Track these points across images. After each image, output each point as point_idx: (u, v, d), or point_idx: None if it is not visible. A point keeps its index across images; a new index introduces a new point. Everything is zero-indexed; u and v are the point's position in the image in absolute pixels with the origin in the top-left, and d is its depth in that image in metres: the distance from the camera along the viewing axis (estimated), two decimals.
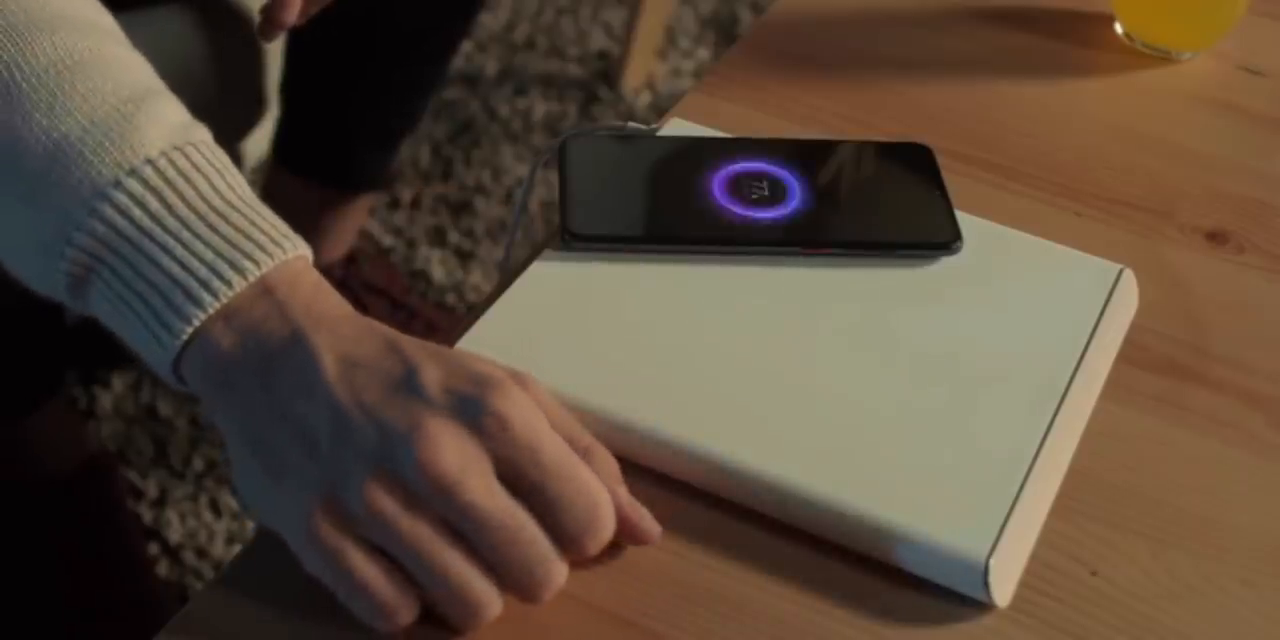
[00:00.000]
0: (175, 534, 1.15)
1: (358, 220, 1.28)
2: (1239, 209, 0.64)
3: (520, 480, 0.44)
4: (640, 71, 1.63)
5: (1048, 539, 0.49)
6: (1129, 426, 0.53)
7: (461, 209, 1.46)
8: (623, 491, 0.47)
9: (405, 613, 0.43)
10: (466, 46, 1.65)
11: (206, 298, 0.46)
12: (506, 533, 0.43)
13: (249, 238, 0.47)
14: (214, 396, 0.47)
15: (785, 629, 0.46)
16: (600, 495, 0.45)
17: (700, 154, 0.59)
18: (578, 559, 0.45)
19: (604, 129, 0.62)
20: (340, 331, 0.46)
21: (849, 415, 0.50)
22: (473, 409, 0.44)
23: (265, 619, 0.45)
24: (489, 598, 0.43)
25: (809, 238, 0.56)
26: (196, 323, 0.46)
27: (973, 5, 0.75)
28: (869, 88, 0.69)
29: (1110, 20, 0.74)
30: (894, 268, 0.56)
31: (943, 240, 0.57)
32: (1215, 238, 0.62)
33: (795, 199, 0.58)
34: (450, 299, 1.37)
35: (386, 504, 0.43)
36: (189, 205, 0.47)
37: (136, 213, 0.47)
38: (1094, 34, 0.74)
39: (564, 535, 0.44)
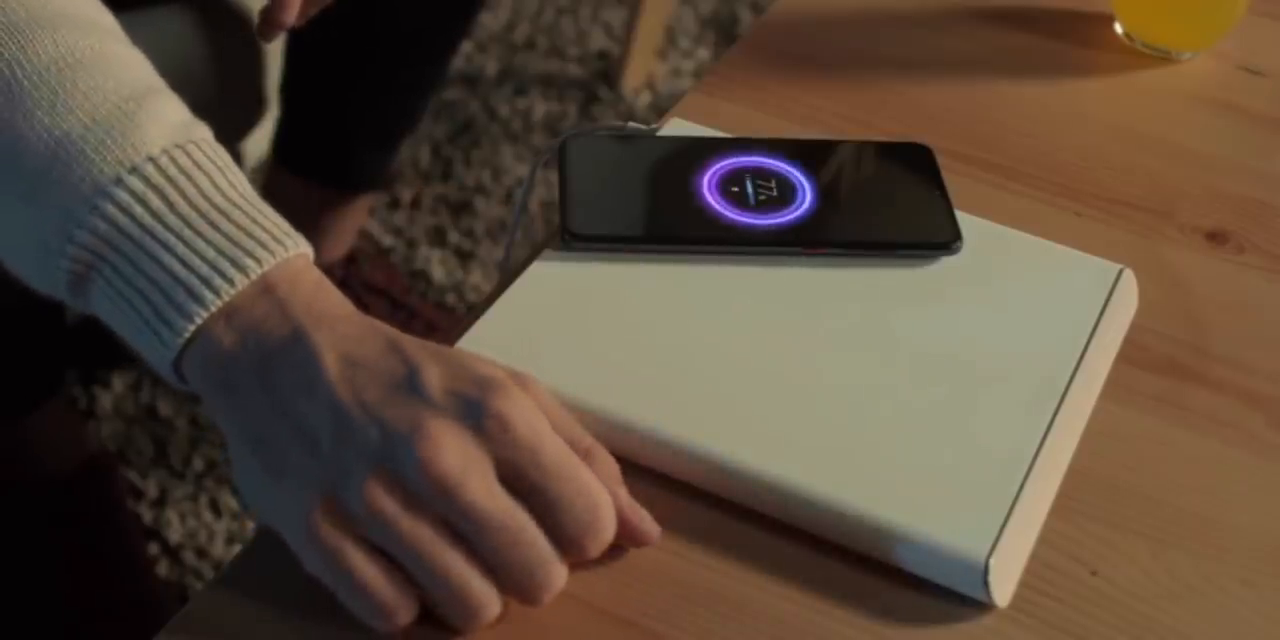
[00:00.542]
0: (175, 534, 1.15)
1: (358, 220, 1.28)
2: (1239, 209, 0.64)
3: (521, 481, 0.44)
4: (640, 71, 1.63)
5: (1048, 539, 0.49)
6: (1129, 426, 0.53)
7: (461, 209, 1.46)
8: (623, 493, 0.47)
9: (405, 613, 0.43)
10: (466, 46, 1.65)
11: (209, 296, 0.46)
12: (507, 534, 0.43)
13: (250, 235, 0.47)
14: (214, 395, 0.47)
15: (785, 629, 0.46)
16: (600, 496, 0.45)
17: (700, 154, 0.59)
18: (578, 560, 0.45)
19: (604, 129, 0.62)
20: (341, 330, 0.46)
21: (849, 415, 0.50)
22: (474, 410, 0.44)
23: (265, 619, 0.45)
24: (489, 599, 0.43)
25: (809, 237, 0.56)
26: (199, 321, 0.46)
27: (973, 5, 0.75)
28: (869, 88, 0.69)
29: (1110, 20, 0.74)
30: (894, 268, 0.56)
31: (943, 240, 0.57)
32: (1215, 238, 0.62)
33: (795, 199, 0.58)
34: (450, 299, 1.37)
35: (387, 504, 0.43)
36: (190, 203, 0.47)
37: (138, 210, 0.47)
38: (1094, 34, 0.74)
39: (564, 537, 0.44)
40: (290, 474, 0.44)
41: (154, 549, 1.14)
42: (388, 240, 1.42)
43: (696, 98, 0.67)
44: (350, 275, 1.27)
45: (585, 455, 0.46)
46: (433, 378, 0.45)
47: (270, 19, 0.65)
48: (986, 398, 0.51)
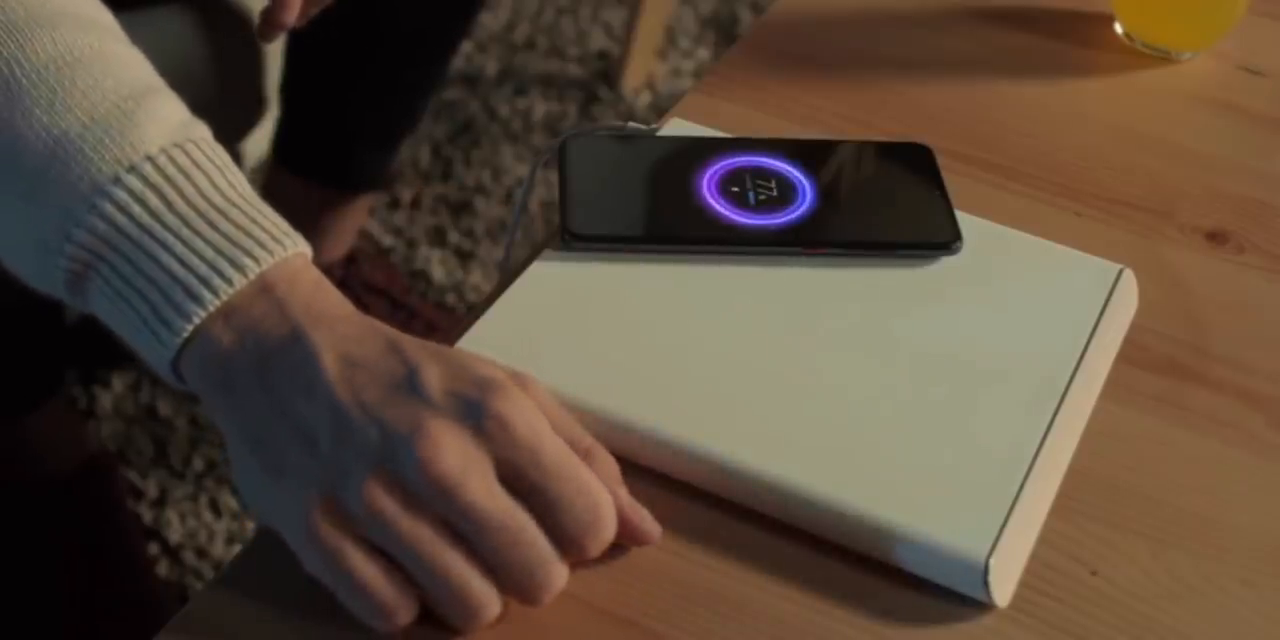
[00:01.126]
0: (175, 534, 1.15)
1: (358, 220, 1.28)
2: (1239, 209, 0.64)
3: (521, 482, 0.44)
4: (640, 71, 1.63)
5: (1048, 539, 0.49)
6: (1129, 426, 0.53)
7: (461, 209, 1.46)
8: (623, 493, 0.47)
9: (404, 613, 0.43)
10: (466, 46, 1.65)
11: (207, 295, 0.46)
12: (507, 534, 0.43)
13: (249, 235, 0.47)
14: (213, 395, 0.47)
15: (785, 629, 0.46)
16: (601, 496, 0.45)
17: (700, 154, 0.59)
18: (578, 560, 0.45)
19: (604, 129, 0.62)
20: (341, 330, 0.46)
21: (849, 415, 0.50)
22: (474, 411, 0.44)
23: (265, 619, 0.45)
24: (488, 598, 0.43)
25: (809, 238, 0.56)
26: (197, 321, 0.46)
27: (973, 5, 0.75)
28: (869, 88, 0.69)
29: (1110, 20, 0.74)
30: (894, 268, 0.56)
31: (943, 240, 0.57)
32: (1215, 238, 0.62)
33: (795, 199, 0.58)
34: (450, 299, 1.37)
35: (387, 504, 0.43)
36: (189, 202, 0.47)
37: (136, 210, 0.47)
38: (1094, 34, 0.74)
39: (565, 537, 0.44)
40: (289, 474, 0.44)
41: (154, 549, 1.14)
42: (388, 240, 1.42)
43: (696, 98, 0.67)
44: (350, 275, 1.27)
45: (585, 455, 0.46)
46: (432, 378, 0.45)
47: (271, 19, 0.65)
48: (986, 398, 0.51)
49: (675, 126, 0.62)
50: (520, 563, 0.43)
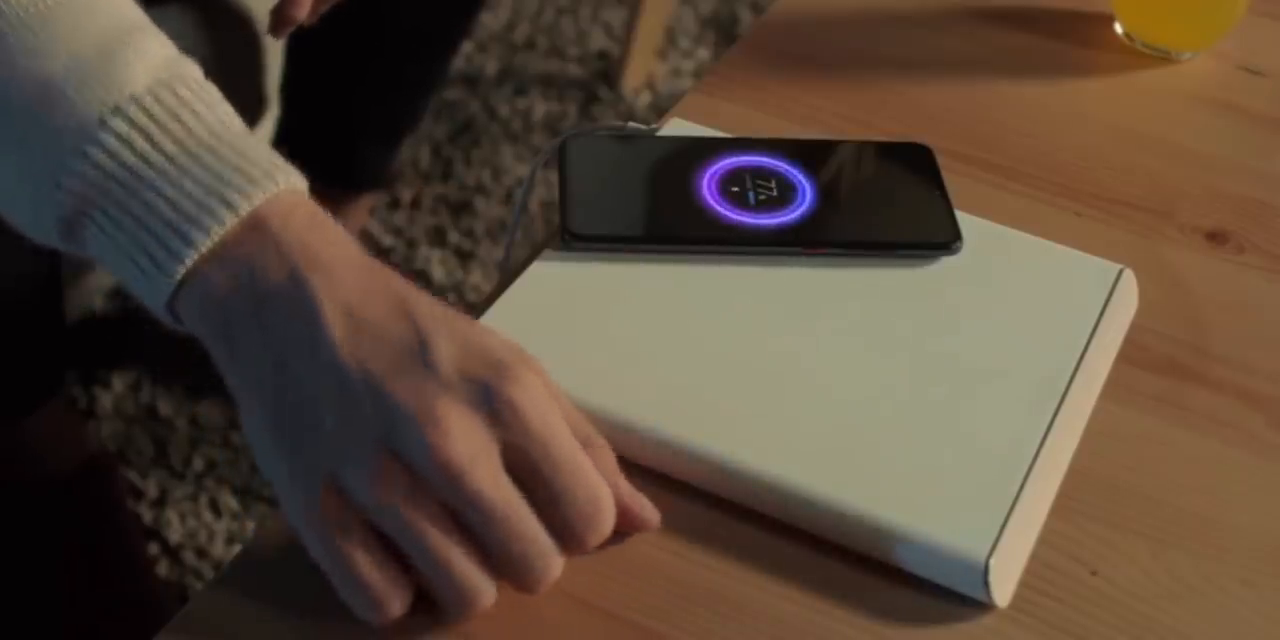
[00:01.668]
0: (175, 534, 1.15)
1: (358, 220, 1.28)
2: (1239, 209, 0.64)
3: (526, 471, 0.44)
4: (640, 71, 1.63)
5: (1048, 539, 0.49)
6: (1129, 426, 0.53)
7: (461, 209, 1.46)
8: (622, 482, 0.46)
9: (396, 606, 0.43)
10: (466, 46, 1.65)
11: (197, 235, 0.45)
12: (510, 525, 0.43)
13: (239, 171, 0.46)
14: (215, 344, 0.46)
15: (785, 629, 0.46)
16: (601, 489, 0.45)
17: (700, 154, 0.59)
18: (576, 553, 0.45)
19: (604, 129, 0.62)
20: (343, 276, 0.45)
21: (849, 415, 0.50)
22: (486, 396, 0.43)
23: (265, 619, 0.45)
24: (485, 587, 0.44)
25: (809, 238, 0.56)
26: (190, 261, 0.45)
27: (973, 5, 0.75)
28: (869, 88, 0.69)
29: (1110, 20, 0.74)
30: (894, 268, 0.56)
31: (943, 240, 0.57)
32: (1215, 238, 0.62)
33: (794, 199, 0.58)
34: (450, 299, 1.37)
35: (390, 488, 0.42)
36: (177, 142, 0.46)
37: (124, 153, 0.46)
38: (1094, 34, 0.74)
39: (565, 529, 0.44)
40: (290, 441, 0.43)
41: (154, 549, 1.14)
42: (388, 240, 1.42)
43: (696, 98, 0.67)
44: None
45: (585, 443, 0.46)
46: (445, 354, 0.44)
47: (283, 15, 0.65)
48: (987, 398, 0.51)
49: (675, 126, 0.62)
50: (520, 555, 0.43)
